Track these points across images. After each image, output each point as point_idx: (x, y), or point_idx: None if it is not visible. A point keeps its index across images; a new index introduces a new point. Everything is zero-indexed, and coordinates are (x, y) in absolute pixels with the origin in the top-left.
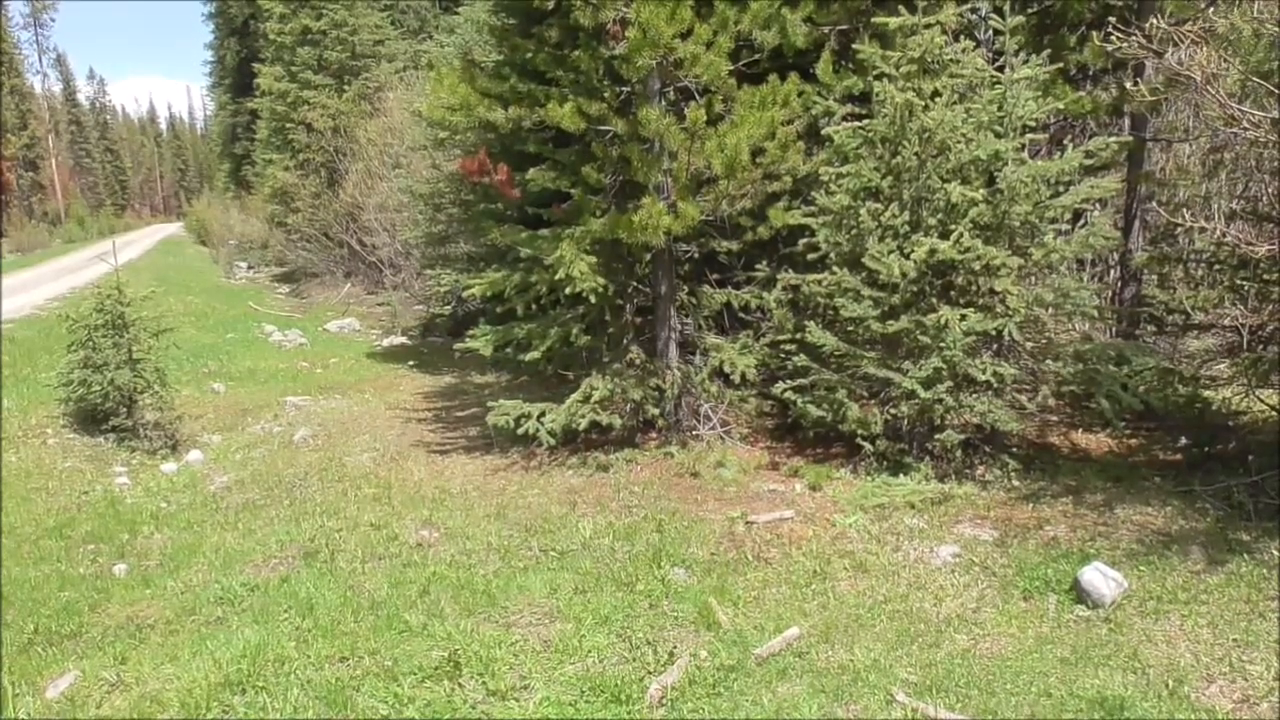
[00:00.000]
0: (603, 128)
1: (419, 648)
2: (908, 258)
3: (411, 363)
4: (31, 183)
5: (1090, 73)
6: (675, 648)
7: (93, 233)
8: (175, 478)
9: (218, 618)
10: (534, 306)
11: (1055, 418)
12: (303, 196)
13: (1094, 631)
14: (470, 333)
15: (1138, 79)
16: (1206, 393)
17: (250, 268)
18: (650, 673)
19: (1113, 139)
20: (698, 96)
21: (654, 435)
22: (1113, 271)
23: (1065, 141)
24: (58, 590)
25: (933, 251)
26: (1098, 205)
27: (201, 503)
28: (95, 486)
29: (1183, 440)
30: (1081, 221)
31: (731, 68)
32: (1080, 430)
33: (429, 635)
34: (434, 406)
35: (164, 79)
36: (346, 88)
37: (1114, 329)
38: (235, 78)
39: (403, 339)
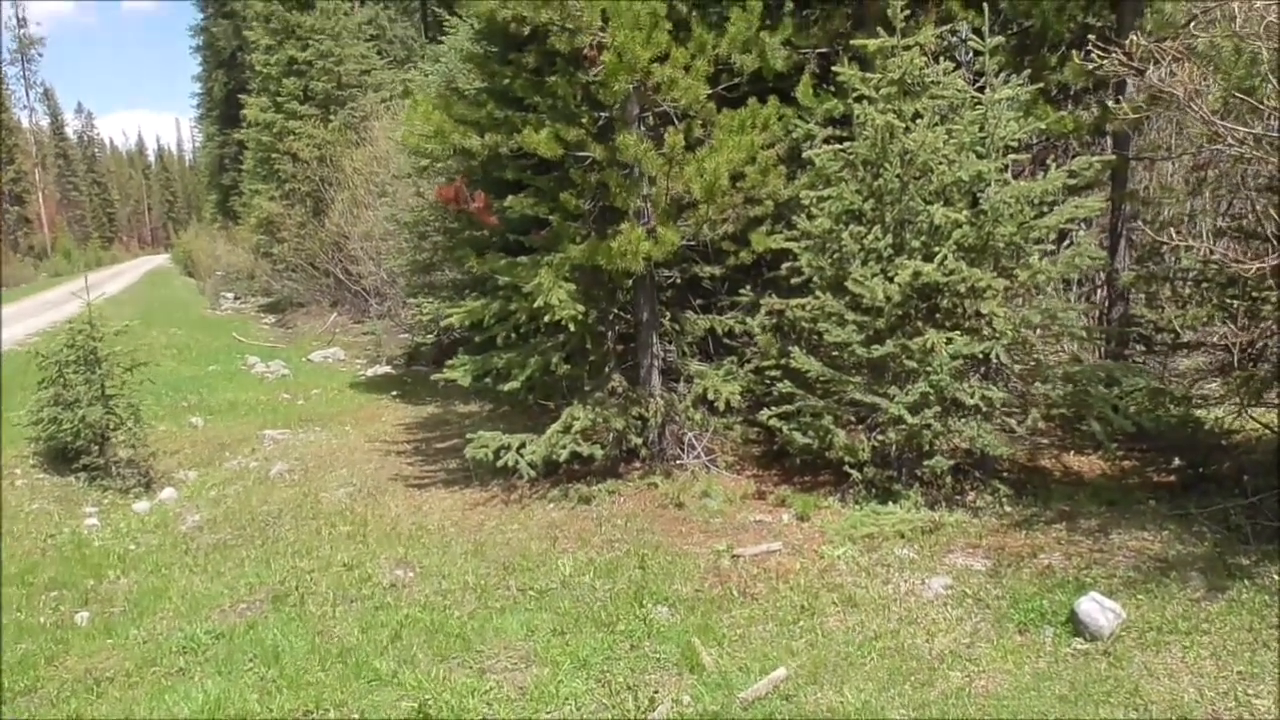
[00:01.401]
0: (581, 153)
1: (388, 698)
2: (891, 281)
3: (394, 392)
4: (18, 217)
5: (1071, 92)
6: (656, 693)
7: (79, 266)
8: (146, 517)
9: (179, 669)
10: (514, 335)
11: (1046, 440)
12: (288, 226)
13: (1093, 666)
14: (449, 363)
15: (1119, 97)
16: (1198, 412)
17: (237, 298)
18: None
19: (1096, 158)
20: (677, 121)
21: (638, 465)
22: (1099, 291)
23: (1048, 162)
24: (14, 643)
25: (917, 274)
26: (1083, 225)
27: (171, 544)
28: (63, 529)
29: (1176, 461)
30: (1066, 242)
31: (710, 92)
32: (1072, 452)
33: (399, 684)
34: (414, 438)
35: (152, 112)
36: (332, 117)
37: (1102, 349)
38: (223, 109)
39: (387, 368)
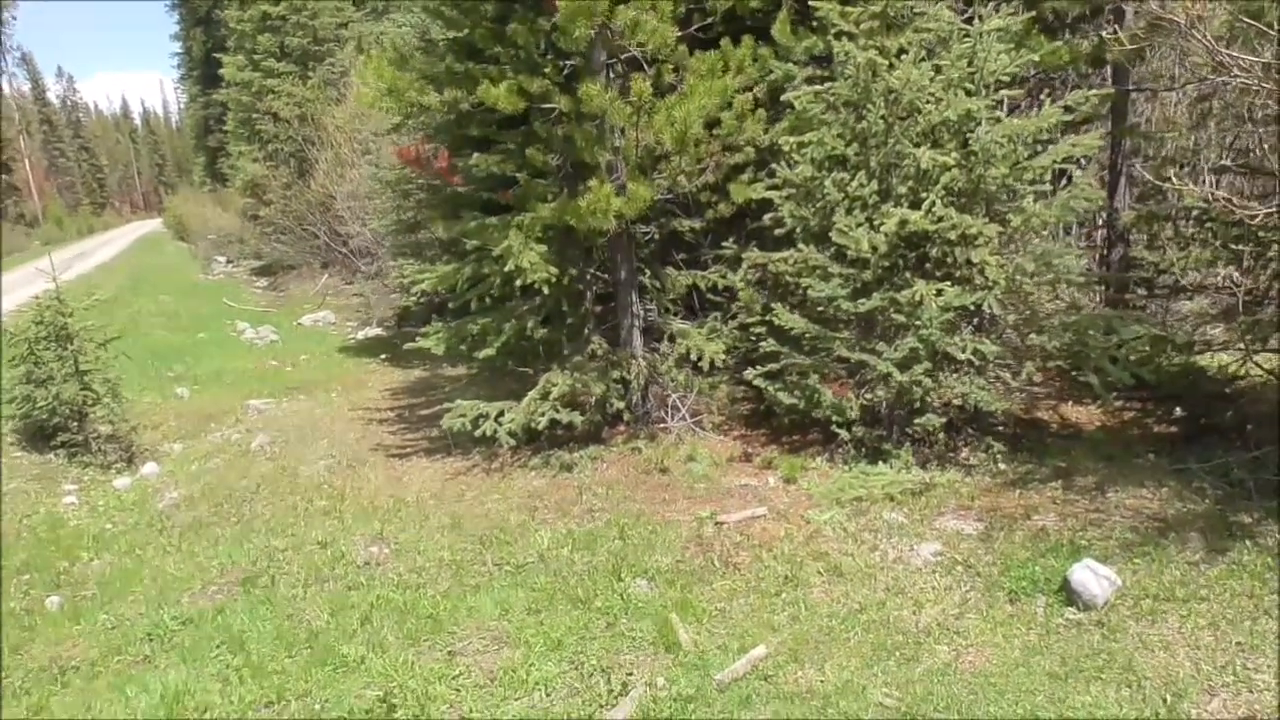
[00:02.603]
0: (547, 106)
1: (353, 686)
2: (877, 230)
3: (383, 356)
4: (6, 185)
5: (1067, 21)
6: (630, 675)
7: (71, 233)
8: (126, 495)
9: (145, 656)
10: (489, 299)
11: (1044, 390)
12: (274, 188)
13: (1085, 638)
14: (423, 330)
15: (1117, 25)
16: (1201, 359)
17: (229, 262)
18: (602, 706)
19: (1093, 92)
20: (647, 67)
21: (622, 429)
22: (1099, 232)
23: (1042, 96)
24: None
25: (904, 222)
26: (1082, 163)
27: (147, 523)
28: (39, 509)
29: (1178, 411)
30: (1064, 182)
31: (681, 34)
32: (1070, 402)
33: (366, 671)
34: (399, 405)
35: (135, 73)
36: (311, 74)
37: (1102, 295)
38: (203, 69)
39: (377, 330)
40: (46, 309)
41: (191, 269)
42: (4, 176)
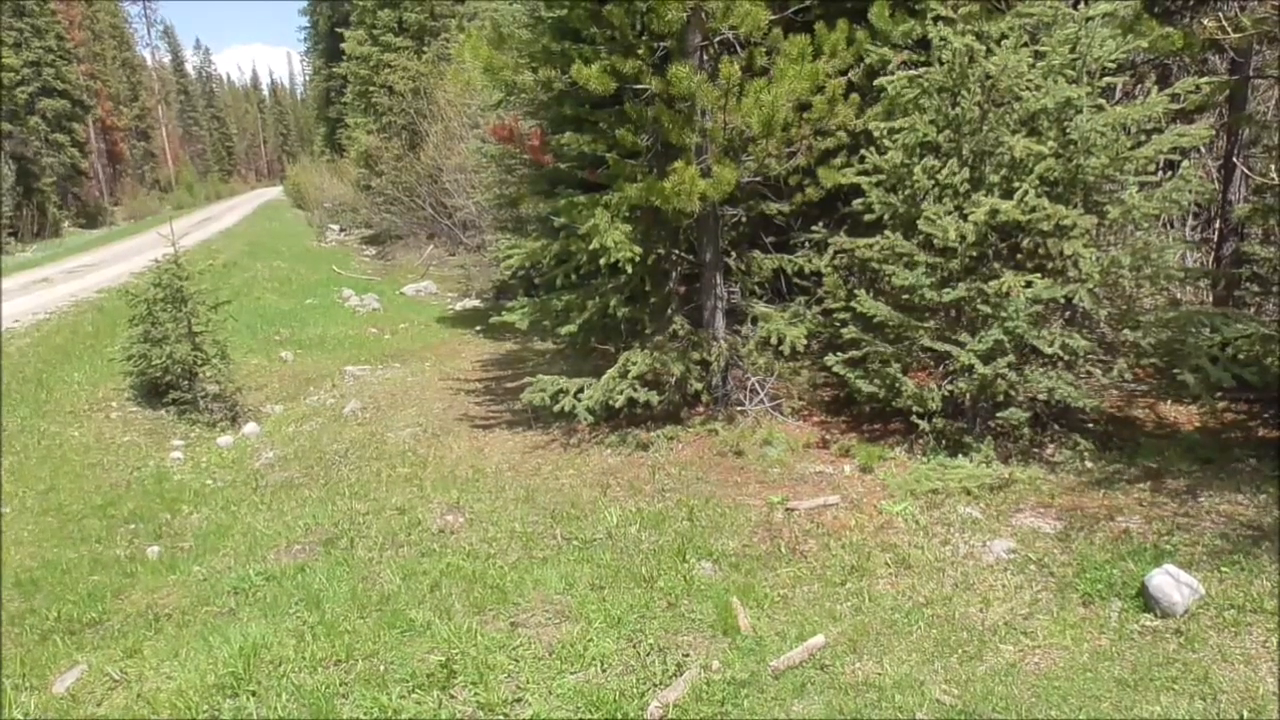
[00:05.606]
0: (638, 86)
1: (417, 650)
2: (966, 219)
3: (478, 328)
4: (144, 152)
5: (1189, 3)
6: (686, 656)
7: (200, 198)
8: (227, 452)
9: (230, 609)
10: (574, 276)
11: (1144, 387)
12: (385, 160)
13: (1160, 646)
14: (508, 305)
15: (1240, 7)
16: None
17: (342, 230)
18: (655, 685)
19: (1203, 79)
20: (740, 50)
21: (700, 410)
22: (1214, 224)
23: (1149, 84)
24: (88, 574)
25: (994, 212)
26: (1200, 150)
27: (244, 480)
28: (149, 461)
29: None
30: (1171, 173)
31: (776, 17)
32: (1170, 401)
33: (431, 636)
34: (487, 376)
35: (266, 46)
36: (426, 49)
37: (1209, 291)
38: (327, 42)
39: (475, 302)
40: (165, 272)
41: (306, 236)
42: (143, 143)
